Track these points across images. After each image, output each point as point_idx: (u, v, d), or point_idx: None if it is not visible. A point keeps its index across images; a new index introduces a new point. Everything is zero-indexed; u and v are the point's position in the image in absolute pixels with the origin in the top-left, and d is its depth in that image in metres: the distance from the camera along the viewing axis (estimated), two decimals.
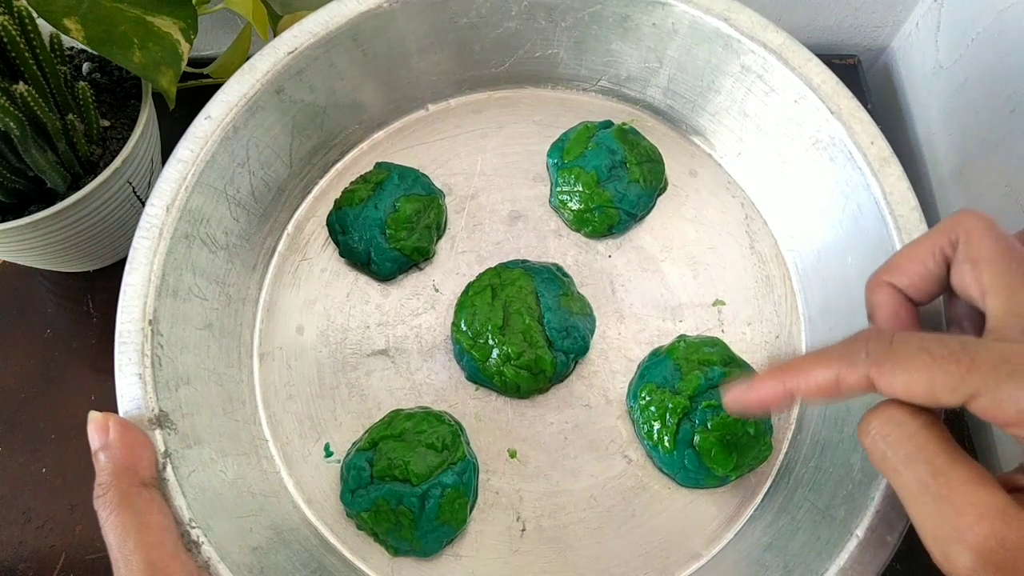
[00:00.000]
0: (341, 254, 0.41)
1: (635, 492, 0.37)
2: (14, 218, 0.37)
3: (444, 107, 0.46)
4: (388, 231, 0.40)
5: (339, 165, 0.44)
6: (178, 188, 0.35)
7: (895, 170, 0.36)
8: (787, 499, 0.36)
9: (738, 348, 0.39)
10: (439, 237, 0.42)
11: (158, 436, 0.31)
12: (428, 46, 0.42)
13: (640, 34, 0.42)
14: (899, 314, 0.28)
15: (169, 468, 0.30)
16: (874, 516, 0.30)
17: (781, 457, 0.38)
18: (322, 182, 0.44)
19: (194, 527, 0.30)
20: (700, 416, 0.36)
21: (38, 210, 0.38)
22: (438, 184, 0.43)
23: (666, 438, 0.36)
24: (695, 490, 0.37)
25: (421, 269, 0.42)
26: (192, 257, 0.35)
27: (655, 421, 0.37)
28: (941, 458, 0.21)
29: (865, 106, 0.38)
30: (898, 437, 0.22)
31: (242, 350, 0.39)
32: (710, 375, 0.37)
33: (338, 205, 0.42)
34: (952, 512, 0.20)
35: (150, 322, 0.32)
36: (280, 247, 0.42)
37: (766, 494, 0.37)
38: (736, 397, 0.27)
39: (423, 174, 0.43)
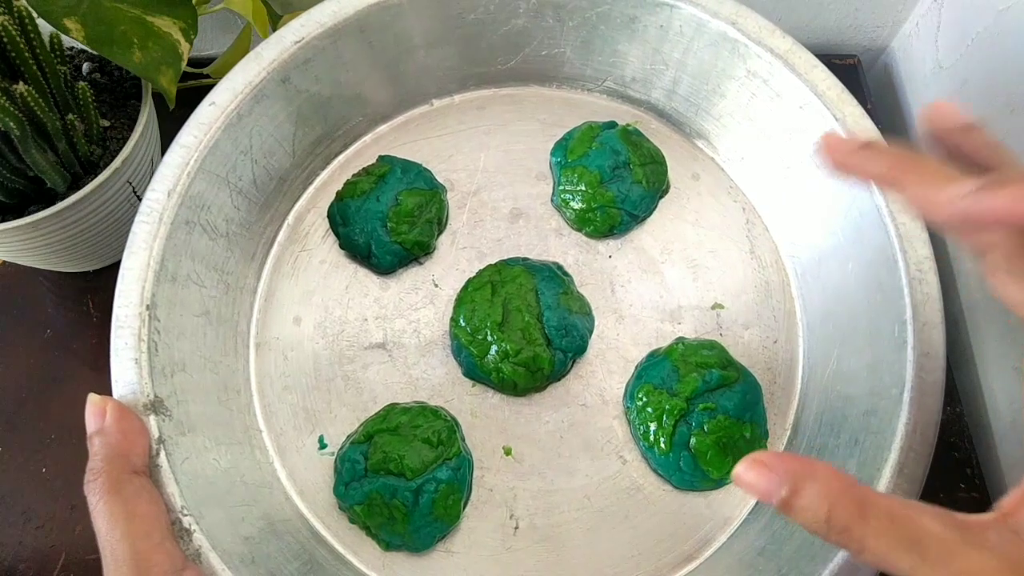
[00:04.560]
0: (341, 246, 0.41)
1: (629, 493, 0.37)
2: (14, 218, 0.37)
3: (448, 103, 0.46)
4: (389, 224, 0.40)
5: (341, 157, 0.44)
6: (180, 174, 0.35)
7: None
8: None
9: (736, 352, 0.39)
10: (440, 232, 0.42)
11: (152, 422, 0.31)
12: (435, 41, 0.42)
13: (647, 36, 0.42)
14: None
15: (163, 454, 0.30)
16: None
17: None
18: (324, 173, 0.44)
19: (186, 514, 0.29)
20: (697, 419, 0.36)
21: (38, 210, 0.37)
22: (440, 179, 0.43)
23: (662, 439, 0.36)
24: (689, 492, 0.37)
25: (421, 264, 0.42)
26: (192, 243, 0.35)
27: (651, 422, 0.36)
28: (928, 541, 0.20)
29: (865, 106, 0.38)
30: (892, 529, 0.21)
31: (239, 339, 0.39)
32: (708, 378, 0.36)
33: (340, 197, 0.42)
34: None
35: (148, 307, 0.32)
36: (280, 237, 0.42)
37: None
38: (838, 146, 0.25)
39: (426, 169, 0.42)
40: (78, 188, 0.38)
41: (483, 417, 0.38)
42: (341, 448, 0.37)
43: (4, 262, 0.47)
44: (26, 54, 0.35)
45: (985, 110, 0.47)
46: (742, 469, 0.23)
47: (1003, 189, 0.21)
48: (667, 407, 0.36)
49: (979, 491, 0.42)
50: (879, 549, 0.20)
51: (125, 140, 0.39)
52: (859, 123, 0.38)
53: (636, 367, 0.39)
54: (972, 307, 0.48)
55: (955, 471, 0.43)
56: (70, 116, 0.37)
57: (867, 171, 0.25)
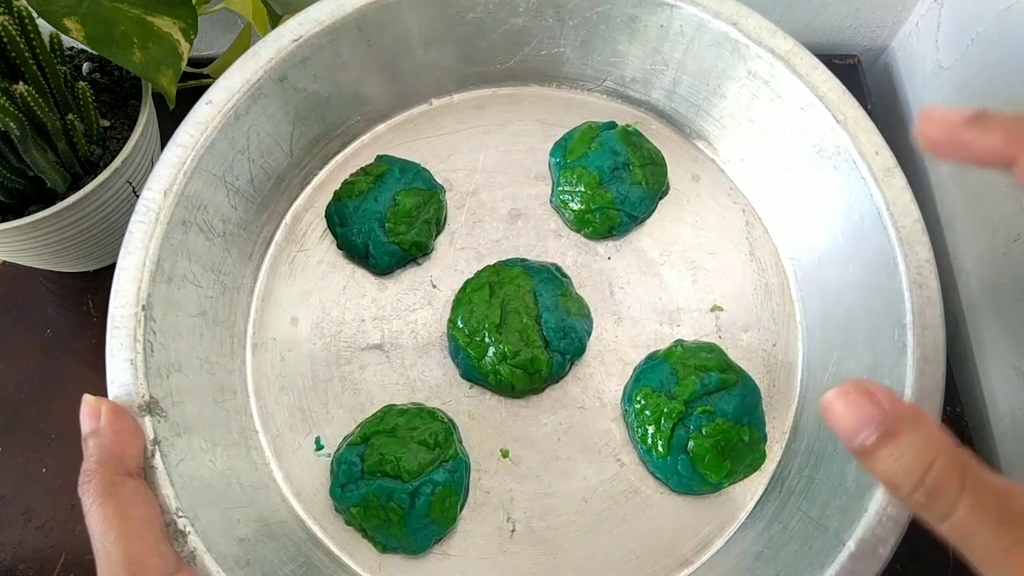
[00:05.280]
0: (339, 246, 0.41)
1: (627, 496, 0.37)
2: (14, 218, 0.37)
3: (447, 102, 0.45)
4: (387, 224, 0.40)
5: (339, 157, 0.44)
6: (176, 173, 0.34)
7: (899, 181, 0.36)
8: (779, 508, 0.36)
9: (735, 354, 0.39)
10: (438, 233, 0.42)
11: (148, 423, 0.30)
12: (434, 40, 0.42)
13: (647, 35, 0.42)
14: None
15: (158, 456, 0.30)
16: (866, 527, 0.30)
17: (774, 466, 0.38)
18: (322, 173, 0.43)
19: (181, 516, 0.29)
20: (695, 422, 0.36)
21: (38, 210, 0.37)
22: (439, 179, 0.43)
23: (660, 443, 0.36)
24: (687, 496, 0.37)
25: (419, 264, 0.41)
26: (188, 243, 0.35)
27: (649, 425, 0.36)
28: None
29: (865, 106, 0.38)
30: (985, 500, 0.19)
31: (235, 340, 0.38)
32: (706, 381, 0.36)
33: (337, 197, 0.41)
34: None
35: (143, 307, 0.32)
36: (277, 237, 0.42)
37: (758, 502, 0.37)
38: (944, 121, 0.22)
39: (424, 168, 0.42)
40: (78, 188, 0.38)
41: (480, 419, 0.38)
42: (338, 450, 0.37)
43: (4, 262, 0.47)
44: (26, 54, 0.35)
45: None
46: (834, 395, 0.20)
47: None
48: (665, 410, 0.36)
49: None
50: (969, 521, 0.19)
51: (125, 140, 0.39)
52: (861, 125, 0.37)
53: (634, 369, 0.39)
54: (972, 307, 0.47)
55: None
56: (70, 116, 0.37)
57: (978, 147, 0.22)
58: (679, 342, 0.39)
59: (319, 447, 0.37)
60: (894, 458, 0.19)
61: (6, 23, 0.33)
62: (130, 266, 0.33)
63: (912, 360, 0.33)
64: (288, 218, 0.42)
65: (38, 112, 0.35)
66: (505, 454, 0.37)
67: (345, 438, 0.37)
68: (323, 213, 0.42)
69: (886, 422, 0.19)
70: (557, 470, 0.37)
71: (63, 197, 0.38)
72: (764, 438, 0.37)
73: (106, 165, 0.38)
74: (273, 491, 0.36)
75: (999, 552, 0.19)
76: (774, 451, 0.38)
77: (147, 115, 0.40)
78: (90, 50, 0.40)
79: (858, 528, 0.30)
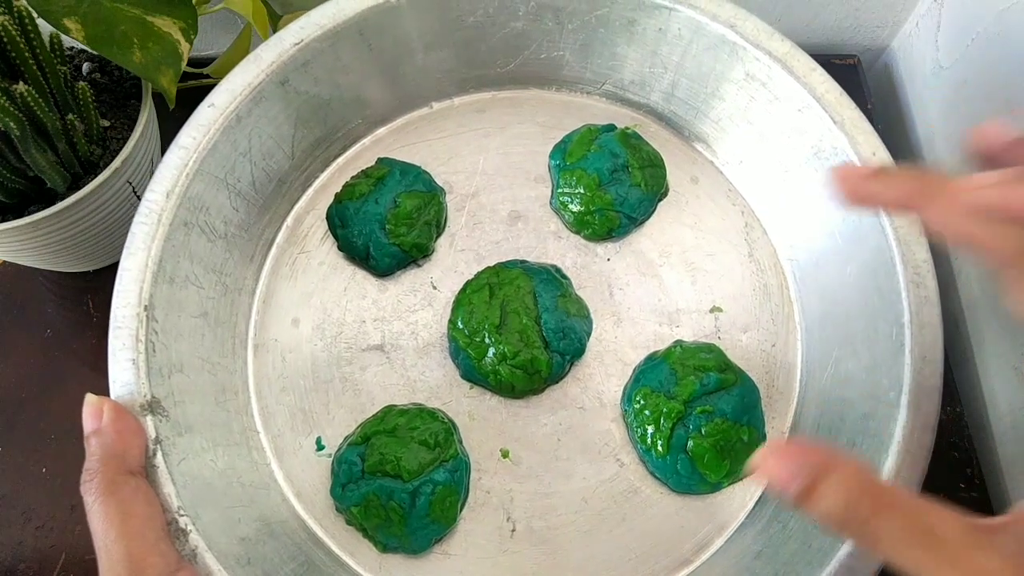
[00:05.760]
0: (340, 248, 0.41)
1: (626, 496, 0.37)
2: (14, 218, 0.37)
3: (448, 105, 0.46)
4: (388, 226, 0.40)
5: (341, 159, 0.44)
6: (179, 175, 0.35)
7: None
8: (779, 507, 0.36)
9: (734, 355, 0.39)
10: (439, 234, 0.42)
11: (149, 422, 0.31)
12: (434, 43, 0.43)
13: (645, 39, 0.42)
14: None
15: (159, 455, 0.30)
16: None
17: None
18: (323, 175, 0.44)
19: (182, 515, 0.29)
20: (694, 422, 0.36)
21: (38, 210, 0.37)
22: (439, 182, 0.43)
23: (659, 442, 0.36)
24: (687, 496, 0.37)
25: (419, 266, 0.42)
26: (190, 245, 0.35)
27: (649, 425, 0.36)
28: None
29: (865, 106, 0.38)
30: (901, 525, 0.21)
31: (237, 340, 0.39)
32: (705, 381, 0.36)
33: (338, 199, 0.42)
34: None
35: (146, 308, 0.32)
36: (279, 239, 0.42)
37: (757, 501, 0.37)
38: (849, 176, 0.25)
39: (425, 171, 0.42)
40: (78, 188, 0.38)
41: (480, 419, 0.38)
42: (338, 450, 0.37)
43: (4, 262, 0.47)
44: (26, 54, 0.35)
45: (985, 110, 0.47)
46: (761, 457, 0.22)
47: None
48: (665, 410, 0.36)
49: (979, 491, 0.42)
50: (893, 544, 0.21)
51: (125, 140, 0.39)
52: (858, 126, 0.38)
53: (634, 370, 0.39)
54: (972, 307, 0.47)
55: (955, 471, 0.43)
56: (70, 116, 0.37)
57: (884, 198, 0.24)
58: (678, 342, 0.39)
59: (320, 447, 0.37)
60: (824, 499, 0.21)
61: (6, 23, 0.33)
62: (132, 267, 0.33)
63: (910, 359, 0.33)
64: (289, 220, 0.42)
65: (38, 112, 0.35)
66: (505, 454, 0.38)
67: (346, 438, 0.37)
68: (324, 215, 0.42)
69: (812, 471, 0.22)
70: (557, 470, 0.37)
71: (63, 197, 0.38)
72: (763, 438, 0.38)
73: (106, 165, 0.38)
74: (274, 491, 0.36)
75: (945, 563, 0.20)
76: None
77: (147, 115, 0.40)
78: (90, 50, 0.40)
79: None
